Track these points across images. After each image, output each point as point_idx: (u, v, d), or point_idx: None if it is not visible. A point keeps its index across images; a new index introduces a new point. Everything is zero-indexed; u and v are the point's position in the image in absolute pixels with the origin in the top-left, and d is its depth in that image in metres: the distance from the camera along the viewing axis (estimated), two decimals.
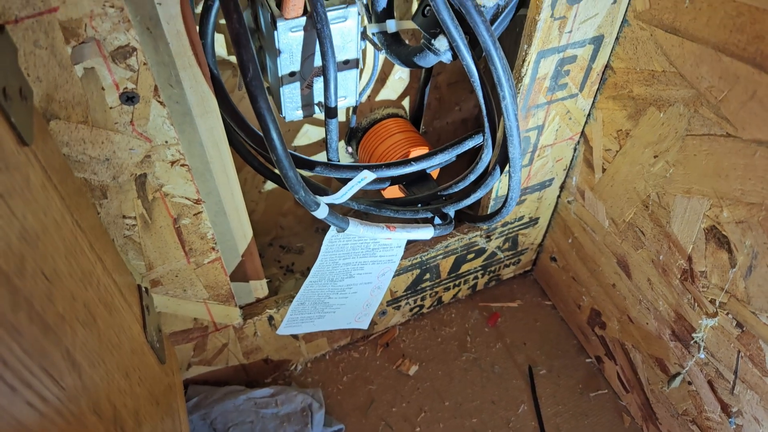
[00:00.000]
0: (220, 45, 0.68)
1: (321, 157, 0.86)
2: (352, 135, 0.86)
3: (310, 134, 0.83)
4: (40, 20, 0.41)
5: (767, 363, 0.61)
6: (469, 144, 0.67)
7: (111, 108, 0.48)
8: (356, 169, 0.62)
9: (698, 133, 0.60)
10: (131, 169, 0.53)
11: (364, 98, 0.83)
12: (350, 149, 0.88)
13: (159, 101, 0.49)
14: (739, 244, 0.59)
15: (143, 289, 0.61)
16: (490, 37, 0.54)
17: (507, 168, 0.65)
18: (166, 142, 0.52)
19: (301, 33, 0.60)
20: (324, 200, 0.58)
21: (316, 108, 0.68)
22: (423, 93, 0.84)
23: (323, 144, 0.85)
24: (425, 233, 0.70)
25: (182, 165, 0.55)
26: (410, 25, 0.66)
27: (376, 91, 0.83)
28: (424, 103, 0.85)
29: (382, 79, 0.82)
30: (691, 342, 0.70)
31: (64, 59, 0.43)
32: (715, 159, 0.59)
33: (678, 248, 0.67)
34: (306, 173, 0.81)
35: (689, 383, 0.73)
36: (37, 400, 0.28)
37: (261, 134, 0.61)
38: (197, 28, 0.54)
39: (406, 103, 0.87)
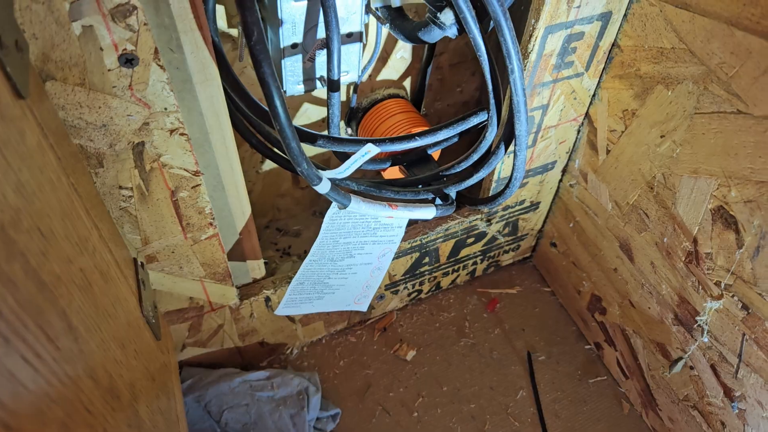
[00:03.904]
0: (221, 17, 0.66)
1: None
2: (352, 115, 0.84)
3: (310, 113, 0.82)
4: None
5: None
6: (474, 120, 0.66)
7: (109, 70, 0.46)
8: (359, 143, 0.60)
9: (707, 111, 0.59)
10: (129, 137, 0.51)
11: (365, 77, 0.81)
12: (350, 130, 0.87)
13: (159, 65, 0.47)
14: (747, 224, 0.58)
15: (139, 263, 0.59)
16: (500, 6, 0.52)
17: (511, 147, 0.64)
18: (166, 109, 0.51)
19: (305, 3, 0.58)
20: (326, 174, 0.57)
21: (318, 83, 0.66)
22: (425, 73, 0.82)
23: (323, 123, 0.84)
24: (427, 212, 0.69)
25: (181, 134, 0.53)
26: None
27: (377, 70, 0.82)
28: (426, 83, 0.84)
29: (383, 58, 0.81)
30: (695, 326, 0.69)
31: (61, 16, 0.42)
32: (725, 137, 0.58)
33: (683, 230, 0.66)
34: (308, 149, 0.80)
35: (691, 368, 0.72)
36: (32, 355, 0.27)
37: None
38: None
39: (407, 84, 0.86)
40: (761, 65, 0.52)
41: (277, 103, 0.46)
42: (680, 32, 0.59)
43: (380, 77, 0.83)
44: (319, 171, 0.56)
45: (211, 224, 0.63)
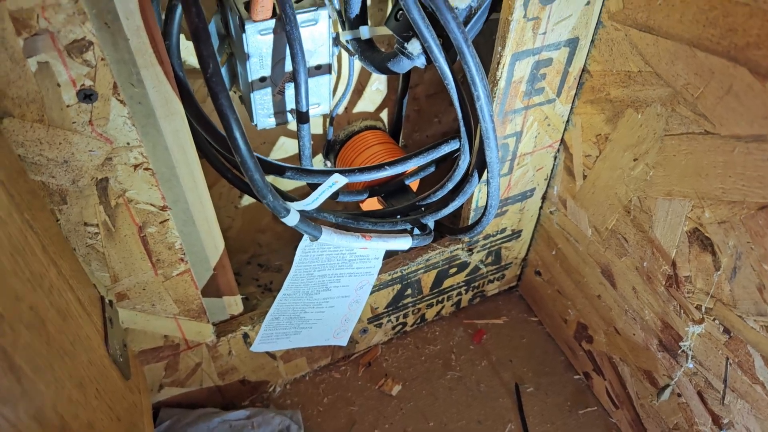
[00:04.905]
0: (191, 53, 0.66)
1: None
2: (330, 148, 0.84)
3: (287, 147, 0.82)
4: None
5: (756, 369, 0.59)
6: (446, 149, 0.66)
7: (68, 106, 0.46)
8: (328, 173, 0.60)
9: (676, 133, 0.59)
10: (92, 173, 0.51)
11: (341, 110, 0.82)
12: (328, 163, 0.87)
13: (119, 100, 0.47)
14: (723, 245, 0.58)
15: (107, 301, 0.58)
16: (462, 34, 0.53)
17: (485, 174, 0.64)
18: (128, 143, 0.50)
19: (271, 36, 0.58)
20: (294, 206, 0.56)
21: (289, 115, 0.66)
22: (401, 104, 0.83)
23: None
24: (403, 243, 0.68)
25: (146, 169, 0.53)
26: (384, 30, 0.65)
27: (353, 102, 0.82)
28: (403, 115, 0.84)
29: (359, 91, 0.81)
30: (679, 351, 0.68)
31: (15, 52, 0.42)
32: (695, 158, 0.58)
33: (662, 253, 0.65)
34: (291, 183, 0.79)
35: (679, 395, 0.71)
36: None
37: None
38: (161, 28, 0.53)
39: (384, 115, 0.86)
40: (724, 85, 0.52)
41: (237, 134, 0.46)
42: (645, 55, 0.59)
43: (357, 109, 0.83)
44: (287, 203, 0.55)
45: (182, 260, 0.62)
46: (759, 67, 0.49)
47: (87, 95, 0.46)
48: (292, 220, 0.56)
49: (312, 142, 0.85)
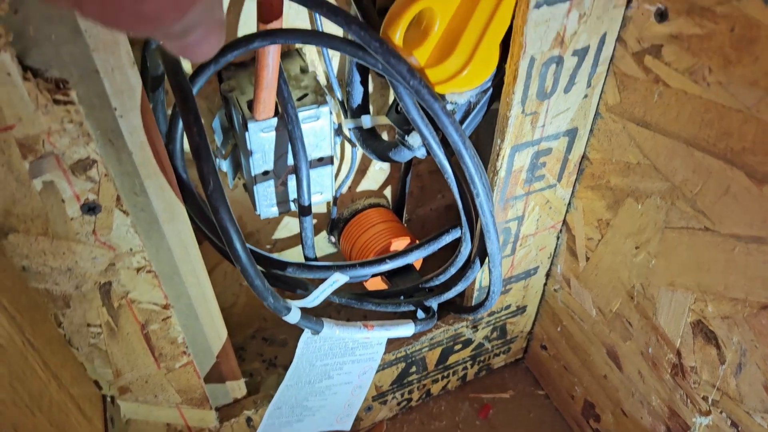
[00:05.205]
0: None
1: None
2: (334, 225, 0.85)
3: (291, 226, 0.82)
4: None
5: None
6: (447, 239, 0.66)
7: (72, 219, 0.47)
8: (329, 269, 0.60)
9: (677, 226, 0.59)
10: (95, 278, 0.51)
11: (345, 189, 0.82)
12: (332, 239, 0.87)
13: (122, 210, 0.48)
14: (727, 340, 0.57)
15: (108, 399, 0.58)
16: (460, 137, 0.54)
17: (487, 261, 0.64)
18: (131, 249, 0.51)
19: (273, 133, 0.60)
20: (296, 304, 0.57)
21: (292, 204, 0.67)
22: (404, 182, 0.83)
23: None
24: (406, 330, 0.68)
25: (148, 271, 0.53)
26: (385, 120, 0.66)
27: (356, 182, 0.83)
28: (406, 192, 0.84)
29: (362, 170, 0.82)
30: None
31: (21, 174, 0.43)
32: (696, 252, 0.58)
33: (666, 341, 0.65)
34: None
35: None
36: None
37: None
38: (166, 132, 0.54)
39: (388, 192, 0.87)
40: (722, 185, 0.52)
41: (237, 246, 0.47)
42: (644, 149, 0.60)
43: (360, 188, 0.84)
44: (288, 301, 0.56)
45: (184, 353, 0.62)
46: (755, 172, 0.49)
47: (90, 208, 0.47)
48: (293, 318, 0.56)
49: (315, 221, 0.86)
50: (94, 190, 0.46)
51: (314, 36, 0.51)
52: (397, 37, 0.52)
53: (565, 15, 0.54)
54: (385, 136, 0.76)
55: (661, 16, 0.53)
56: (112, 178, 0.46)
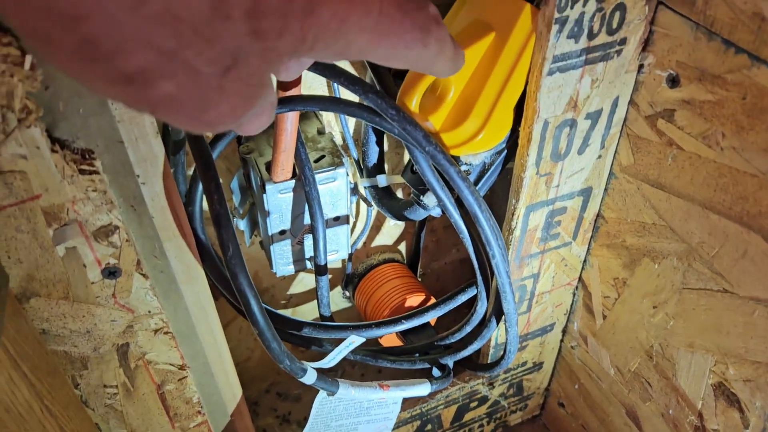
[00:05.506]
0: None
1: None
2: (349, 281, 0.85)
3: (306, 282, 0.83)
4: (23, 207, 0.41)
5: None
6: (462, 298, 0.66)
7: (92, 283, 0.47)
8: (345, 329, 0.61)
9: (694, 287, 0.58)
10: (113, 340, 0.52)
11: (360, 244, 0.83)
12: (347, 293, 0.87)
13: (142, 274, 0.49)
14: (750, 403, 0.56)
15: None
16: (476, 201, 0.54)
17: (503, 320, 0.64)
18: (149, 311, 0.52)
19: (290, 194, 0.60)
20: (311, 365, 0.56)
21: (308, 263, 0.67)
22: (419, 237, 0.84)
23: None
24: (422, 390, 0.67)
25: (166, 332, 0.54)
26: (400, 180, 0.67)
27: (371, 237, 0.83)
28: (421, 246, 0.85)
29: (377, 226, 0.82)
30: None
31: (45, 241, 0.44)
32: (715, 314, 0.57)
33: (687, 403, 0.64)
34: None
35: None
36: None
37: None
38: (185, 193, 0.55)
39: (402, 246, 0.87)
40: (739, 248, 0.52)
41: (255, 310, 0.47)
42: (659, 210, 0.60)
43: (375, 243, 0.84)
44: (304, 363, 0.56)
45: (199, 412, 0.62)
46: None
47: (111, 272, 0.48)
48: (309, 379, 0.56)
49: (330, 276, 0.86)
50: (115, 255, 0.47)
51: (332, 103, 0.52)
52: (414, 104, 0.53)
53: (578, 80, 0.55)
54: (399, 194, 0.77)
55: (673, 81, 0.54)
56: (133, 243, 0.47)
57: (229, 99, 0.23)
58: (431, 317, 0.65)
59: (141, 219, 0.48)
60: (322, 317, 0.68)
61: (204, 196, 0.57)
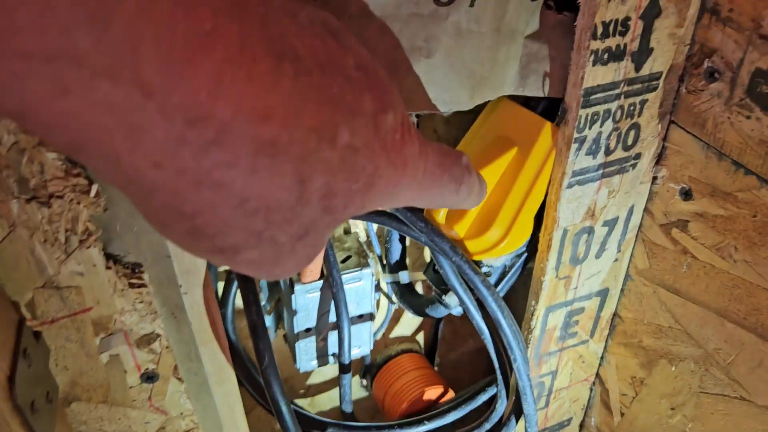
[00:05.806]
0: None
1: (335, 393, 0.86)
2: (367, 370, 0.86)
3: (324, 372, 0.84)
4: (75, 319, 0.44)
5: None
6: (482, 398, 0.67)
7: (131, 387, 0.49)
8: (368, 429, 0.62)
9: (712, 392, 0.59)
10: None
11: (379, 336, 0.84)
12: (365, 382, 0.88)
13: (178, 378, 0.51)
14: None
15: None
16: (499, 307, 0.56)
17: (522, 420, 0.65)
18: (182, 413, 0.53)
19: (318, 294, 0.63)
20: None
21: (331, 358, 0.69)
22: (437, 328, 0.85)
23: (337, 380, 0.85)
24: None
25: None
26: (422, 277, 0.69)
27: (390, 328, 0.85)
28: (438, 337, 0.86)
29: (396, 318, 0.84)
30: None
31: (91, 350, 0.46)
32: (733, 420, 0.58)
33: None
34: None
35: None
36: None
37: None
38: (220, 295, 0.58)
39: (420, 337, 0.89)
40: (755, 358, 0.54)
41: (287, 418, 0.49)
42: (675, 314, 0.62)
43: (393, 334, 0.86)
44: None
45: None
46: None
47: (149, 377, 0.49)
48: None
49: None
50: (155, 361, 0.49)
51: (365, 215, 0.55)
52: (441, 215, 0.56)
53: (596, 192, 0.58)
54: (419, 288, 0.79)
55: (686, 194, 0.57)
56: (172, 349, 0.49)
57: (296, 258, 0.26)
58: (452, 419, 0.66)
59: (180, 326, 0.50)
60: (343, 414, 0.69)
61: (236, 296, 0.60)
